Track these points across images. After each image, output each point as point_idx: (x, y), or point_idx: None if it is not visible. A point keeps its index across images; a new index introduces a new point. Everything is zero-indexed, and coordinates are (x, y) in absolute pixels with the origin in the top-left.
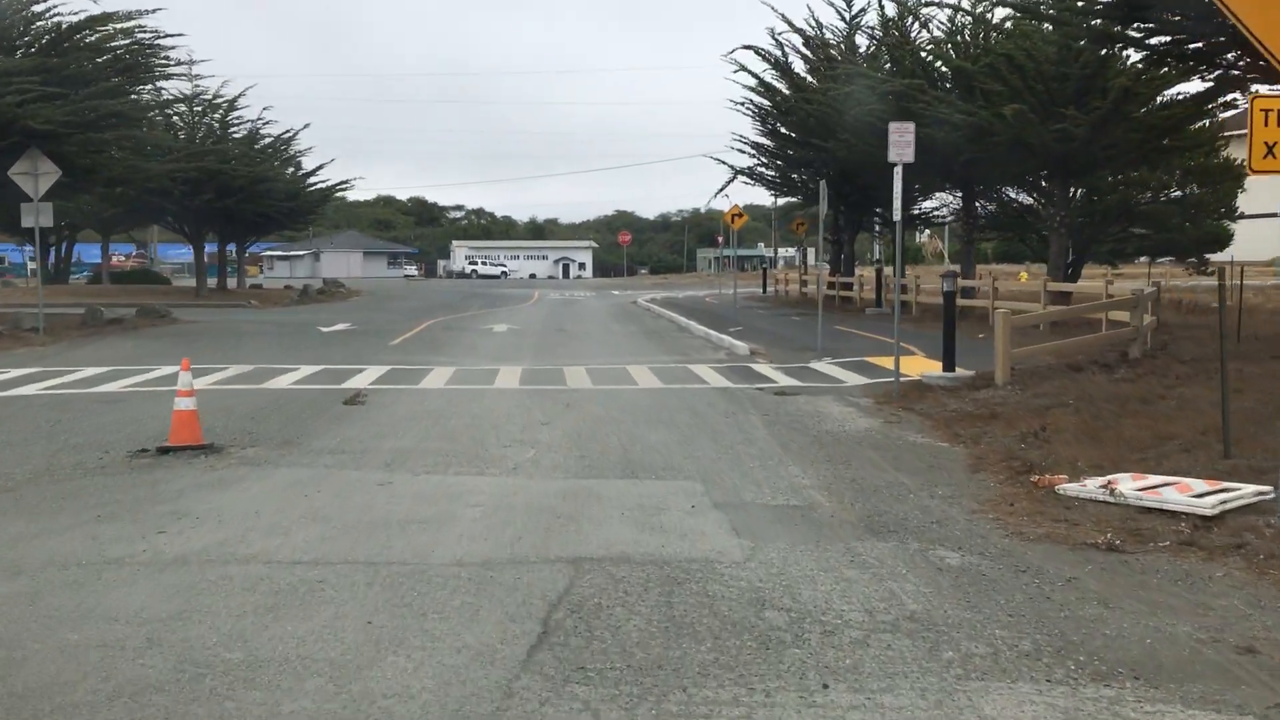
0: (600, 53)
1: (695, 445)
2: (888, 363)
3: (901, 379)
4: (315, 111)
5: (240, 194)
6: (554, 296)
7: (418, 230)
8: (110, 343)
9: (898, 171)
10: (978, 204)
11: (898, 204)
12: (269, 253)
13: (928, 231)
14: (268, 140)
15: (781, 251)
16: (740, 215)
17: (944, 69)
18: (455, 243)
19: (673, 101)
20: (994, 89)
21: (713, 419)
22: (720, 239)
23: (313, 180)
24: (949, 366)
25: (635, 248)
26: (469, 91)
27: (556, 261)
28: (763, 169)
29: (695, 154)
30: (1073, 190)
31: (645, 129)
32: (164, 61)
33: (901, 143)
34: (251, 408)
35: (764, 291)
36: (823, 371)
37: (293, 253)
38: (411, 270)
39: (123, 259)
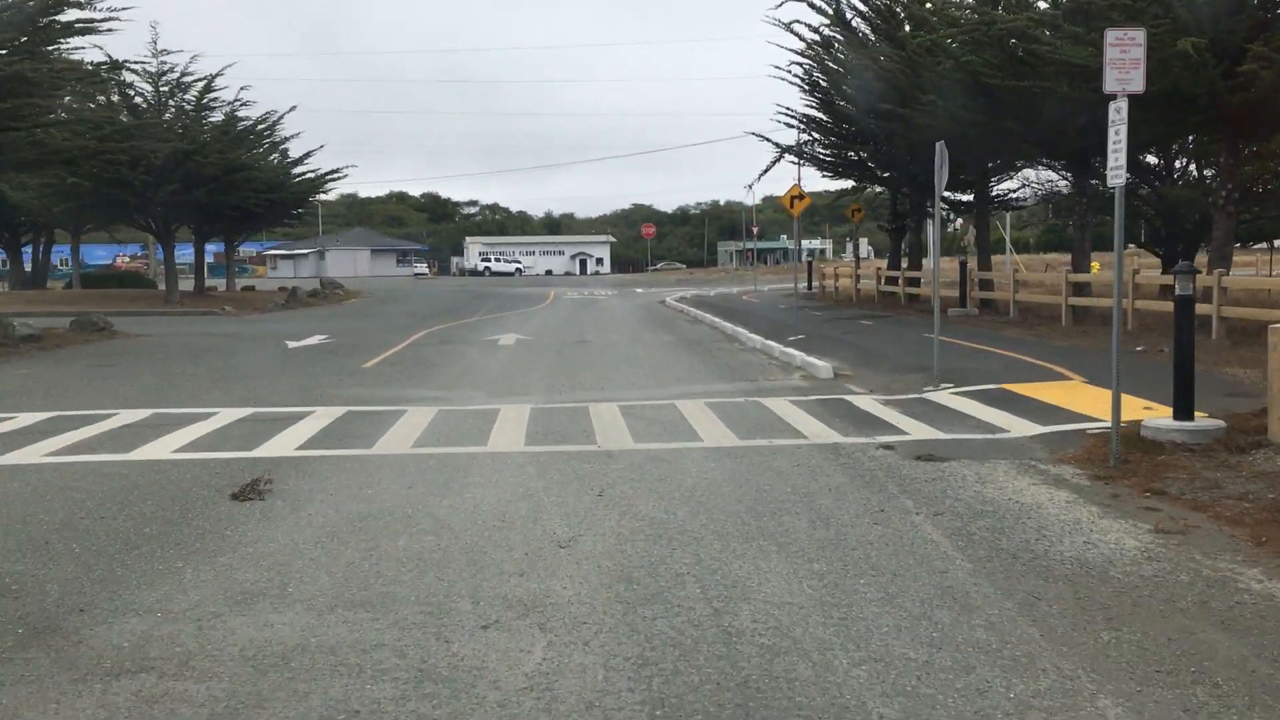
0: (611, 40)
1: (855, 609)
2: (1036, 391)
3: (1098, 425)
4: (317, 106)
5: (213, 184)
6: (572, 296)
7: (431, 226)
8: None
9: (1119, 111)
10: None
11: (1119, 166)
12: (272, 252)
13: (958, 220)
14: (246, 124)
15: (806, 244)
16: (802, 197)
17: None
18: (469, 239)
19: (692, 83)
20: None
21: (850, 525)
22: (756, 229)
23: (300, 170)
24: (1184, 411)
25: (653, 241)
26: (474, 85)
27: (573, 257)
28: (814, 146)
29: (713, 141)
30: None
31: (661, 120)
32: (88, 20)
33: (1125, 61)
34: (58, 518)
35: (808, 288)
36: (956, 409)
37: (297, 251)
38: (421, 268)
39: (127, 259)
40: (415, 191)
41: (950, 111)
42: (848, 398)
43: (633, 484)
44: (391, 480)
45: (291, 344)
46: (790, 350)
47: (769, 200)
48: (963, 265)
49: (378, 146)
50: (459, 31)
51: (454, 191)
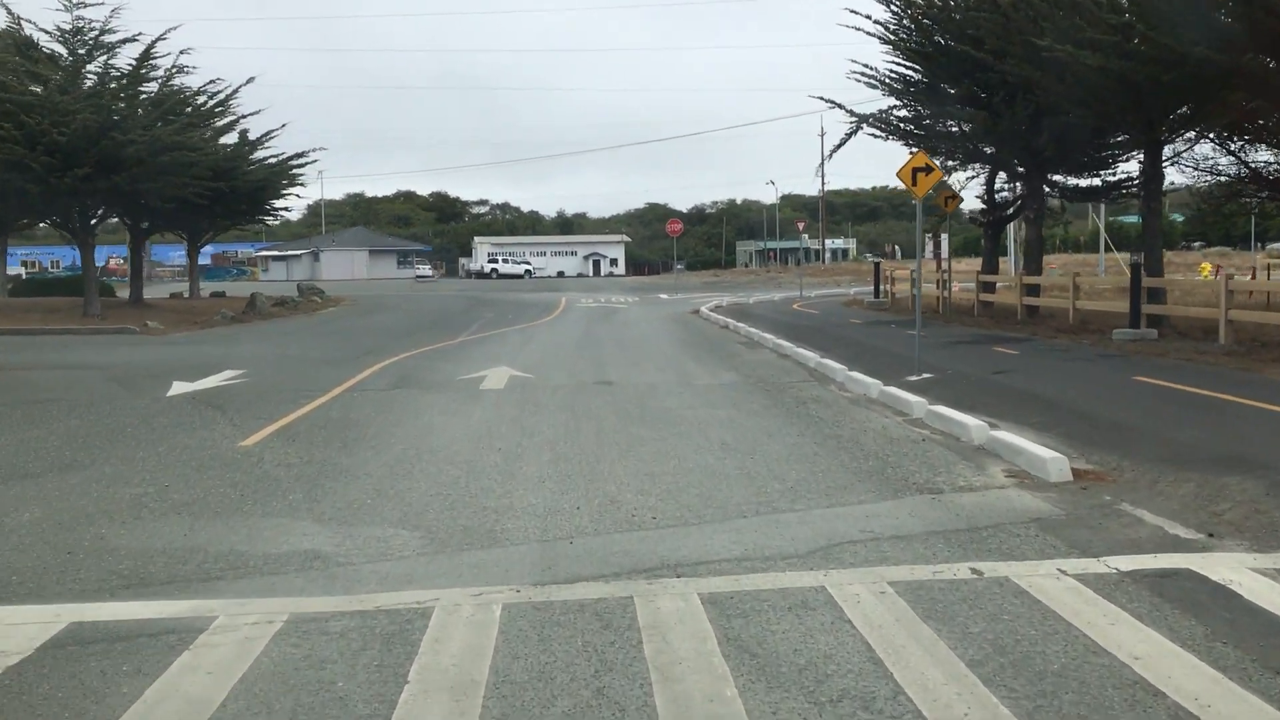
0: (621, 33)
1: None
2: None
3: None
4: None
5: (137, 169)
6: (586, 304)
7: (439, 226)
8: None
9: None
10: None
11: None
12: (264, 253)
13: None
14: (183, 95)
15: (829, 243)
16: (929, 170)
17: None
18: (477, 239)
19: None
20: None
21: None
22: (802, 224)
23: (262, 156)
24: None
25: (670, 241)
26: (478, 83)
27: (586, 257)
28: (899, 115)
29: (738, 126)
30: None
31: (674, 117)
32: None
33: None
34: None
35: (875, 296)
36: None
37: (290, 252)
38: (425, 270)
39: (121, 261)
40: (423, 190)
41: (1084, 65)
42: (1186, 561)
43: None
44: None
45: (177, 387)
46: (946, 411)
47: (787, 198)
48: (1136, 269)
49: (382, 144)
50: (463, 27)
51: (463, 190)
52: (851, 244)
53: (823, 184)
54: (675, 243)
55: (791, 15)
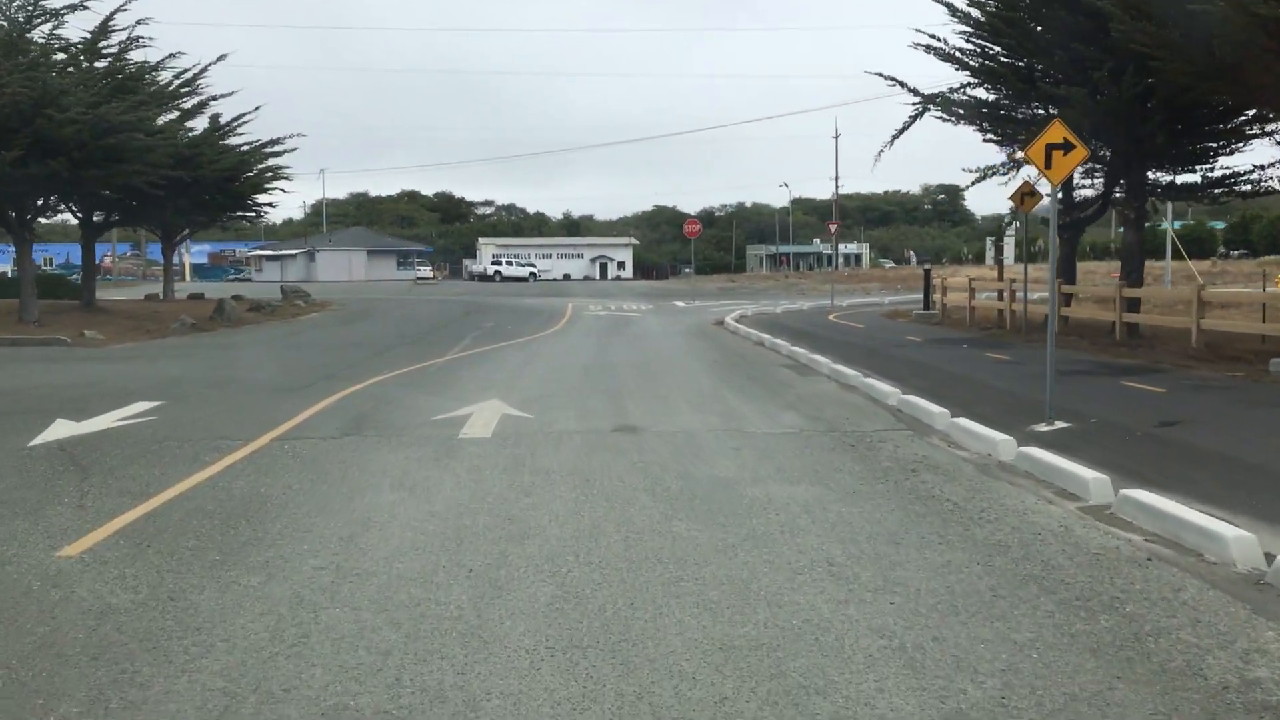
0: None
1: None
2: None
3: None
4: (322, 104)
5: (78, 153)
6: (595, 312)
7: (443, 227)
8: None
9: None
10: None
11: None
12: (258, 252)
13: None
14: (137, 71)
15: (841, 248)
16: (1071, 146)
17: None
18: (481, 240)
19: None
20: None
21: None
22: (835, 225)
23: (233, 144)
24: None
25: (678, 245)
26: (485, 79)
27: (593, 260)
28: (973, 95)
29: (736, 138)
30: None
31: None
32: None
33: None
34: None
35: (925, 307)
36: None
37: (284, 252)
38: (425, 272)
39: (114, 259)
40: (428, 191)
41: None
42: None
43: None
44: None
45: (53, 430)
46: (1164, 505)
47: (798, 202)
48: None
49: (386, 143)
50: (466, 26)
51: (468, 191)
52: (865, 249)
53: (836, 187)
54: (693, 244)
55: (802, 14)
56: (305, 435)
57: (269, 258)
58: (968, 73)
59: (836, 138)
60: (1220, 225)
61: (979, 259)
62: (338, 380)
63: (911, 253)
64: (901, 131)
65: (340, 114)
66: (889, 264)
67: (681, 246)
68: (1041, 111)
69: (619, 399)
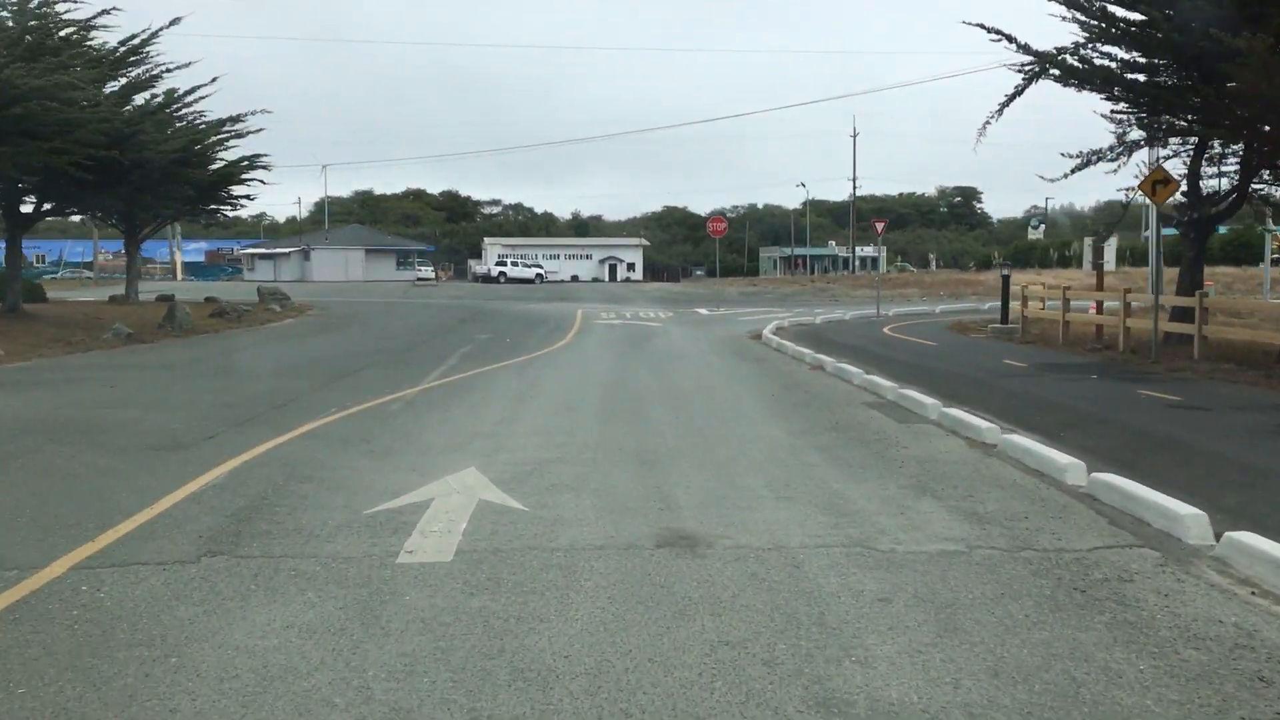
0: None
1: None
2: None
3: None
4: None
5: None
6: (608, 320)
7: (448, 226)
8: None
9: None
10: None
11: None
12: (249, 251)
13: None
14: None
15: (858, 251)
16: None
17: None
18: (487, 240)
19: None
20: None
21: None
22: (881, 223)
23: (188, 121)
24: None
25: (689, 246)
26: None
27: (602, 261)
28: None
29: (748, 139)
30: None
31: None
32: None
33: None
34: None
35: (1003, 321)
36: None
37: (278, 250)
38: (426, 272)
39: (110, 257)
40: (434, 189)
41: None
42: None
43: None
44: None
45: None
46: None
47: (810, 204)
48: None
49: (390, 142)
50: (465, 31)
51: (475, 190)
52: (882, 252)
53: (854, 188)
54: (716, 245)
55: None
56: (133, 559)
57: (262, 256)
58: (1091, 36)
59: (854, 136)
60: (1277, 230)
61: (1035, 263)
62: (257, 427)
63: (933, 256)
64: (1012, 98)
65: (344, 110)
66: (910, 268)
67: (693, 248)
68: (1185, 78)
69: (658, 469)
